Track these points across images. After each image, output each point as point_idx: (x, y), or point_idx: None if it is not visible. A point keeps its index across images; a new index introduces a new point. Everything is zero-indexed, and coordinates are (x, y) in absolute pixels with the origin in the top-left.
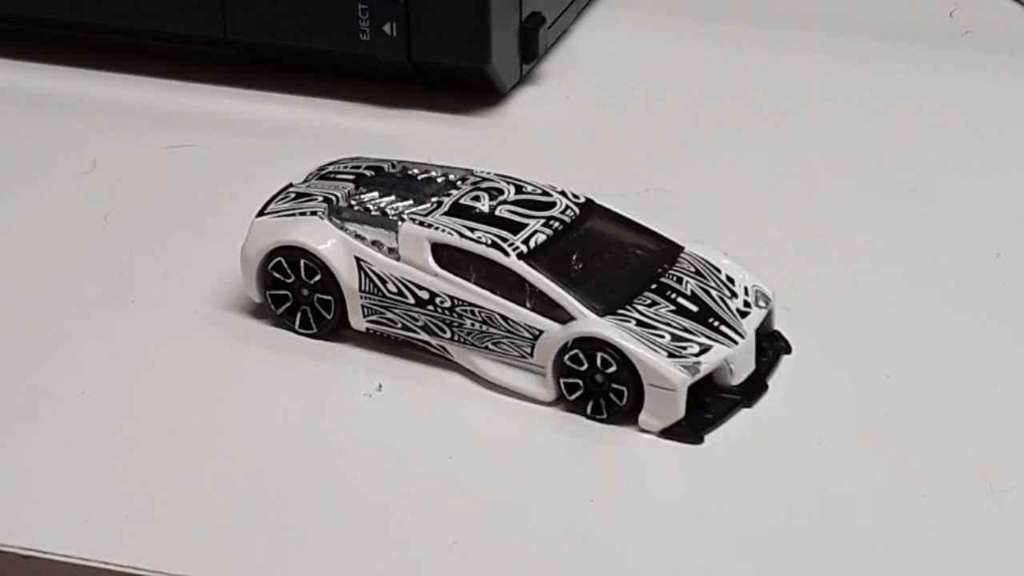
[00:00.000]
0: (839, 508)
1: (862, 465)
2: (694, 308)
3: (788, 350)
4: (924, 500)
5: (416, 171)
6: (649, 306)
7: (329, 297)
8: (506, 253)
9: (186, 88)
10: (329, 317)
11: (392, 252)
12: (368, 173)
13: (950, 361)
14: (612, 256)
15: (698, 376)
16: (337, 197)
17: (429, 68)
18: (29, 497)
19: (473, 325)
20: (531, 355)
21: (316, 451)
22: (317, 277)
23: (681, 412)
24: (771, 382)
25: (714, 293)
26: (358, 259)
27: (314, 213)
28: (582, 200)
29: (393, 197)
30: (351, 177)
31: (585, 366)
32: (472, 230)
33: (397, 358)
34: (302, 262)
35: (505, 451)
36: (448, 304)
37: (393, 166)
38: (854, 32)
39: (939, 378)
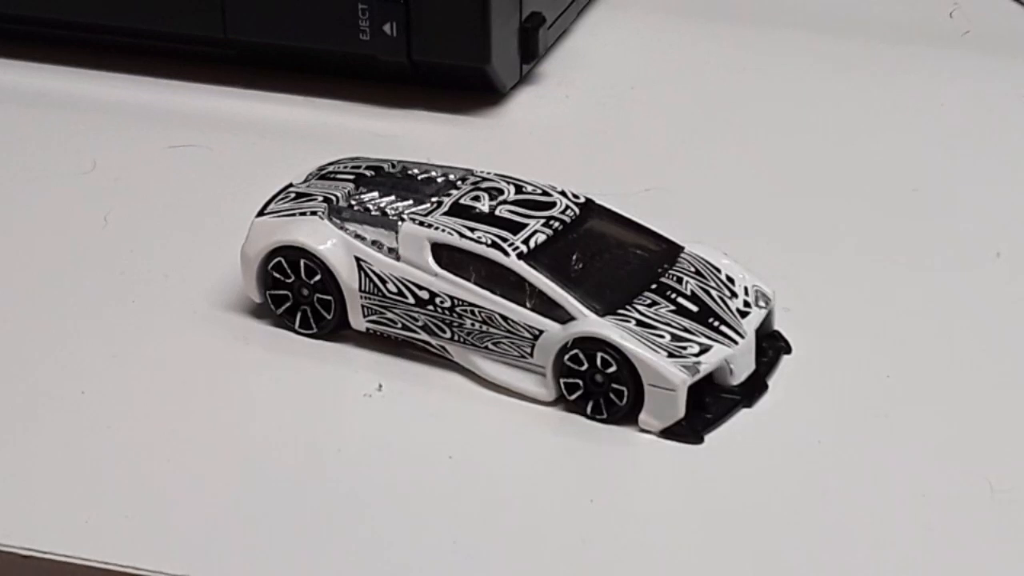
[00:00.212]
0: (839, 508)
1: (862, 465)
2: (694, 308)
3: (788, 350)
4: (924, 500)
5: (416, 171)
6: (649, 306)
7: (329, 297)
8: (506, 253)
9: (186, 88)
10: (329, 317)
11: (392, 252)
12: (368, 173)
13: (950, 361)
14: (612, 256)
15: (698, 376)
16: (337, 197)
17: (429, 68)
18: (29, 497)
19: (473, 325)
20: (531, 355)
21: (316, 451)
22: (317, 277)
23: (681, 412)
24: (771, 382)
25: (714, 293)
26: (358, 259)
27: (314, 213)
28: (582, 200)
29: (393, 197)
30: (351, 177)
31: (585, 366)
32: (472, 230)
33: (397, 358)
34: (302, 262)
35: (505, 451)
36: (448, 304)
37: (393, 166)
38: (854, 32)
39: (939, 378)
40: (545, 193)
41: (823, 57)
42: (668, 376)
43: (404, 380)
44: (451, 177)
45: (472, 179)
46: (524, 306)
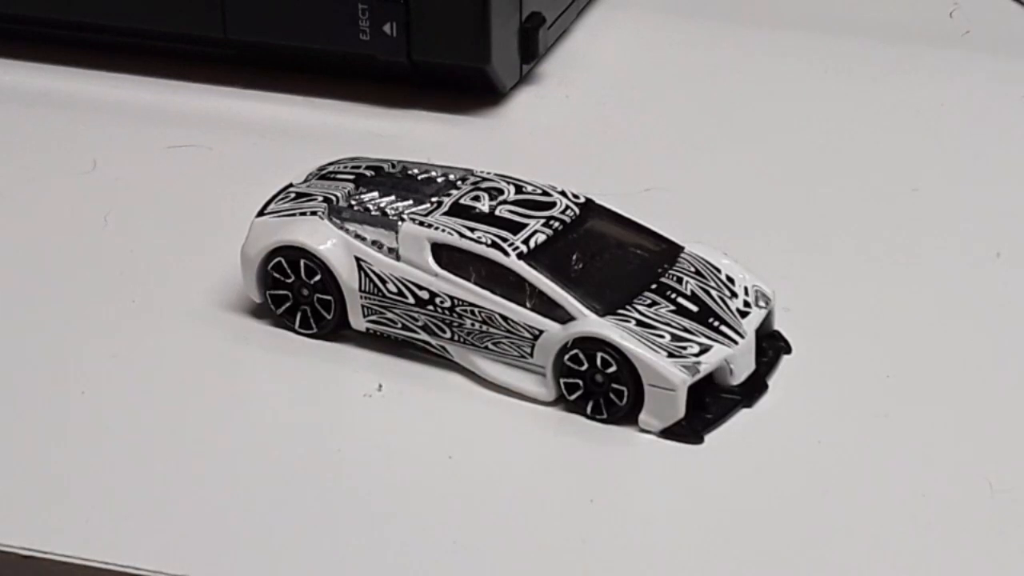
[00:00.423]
0: (839, 508)
1: (862, 465)
2: (694, 308)
3: (788, 350)
4: (924, 500)
5: (416, 171)
6: (649, 306)
7: (329, 297)
8: (506, 253)
9: (186, 88)
10: (329, 317)
11: (392, 252)
12: (368, 173)
13: (950, 361)
14: (612, 256)
15: (698, 376)
16: (337, 197)
17: (429, 68)
18: (29, 497)
19: (473, 325)
20: (531, 355)
21: (316, 451)
22: (317, 277)
23: (681, 412)
24: (771, 382)
25: (714, 293)
26: (358, 259)
27: (314, 213)
28: (582, 200)
29: (393, 197)
30: (351, 177)
31: (585, 366)
32: (472, 230)
33: (397, 358)
34: (302, 262)
35: (505, 451)
36: (448, 304)
37: (393, 166)
38: (854, 32)
39: (939, 378)
40: (545, 193)
41: (823, 57)
42: (668, 376)
43: (404, 380)
44: (451, 177)
45: (472, 179)
46: (524, 306)
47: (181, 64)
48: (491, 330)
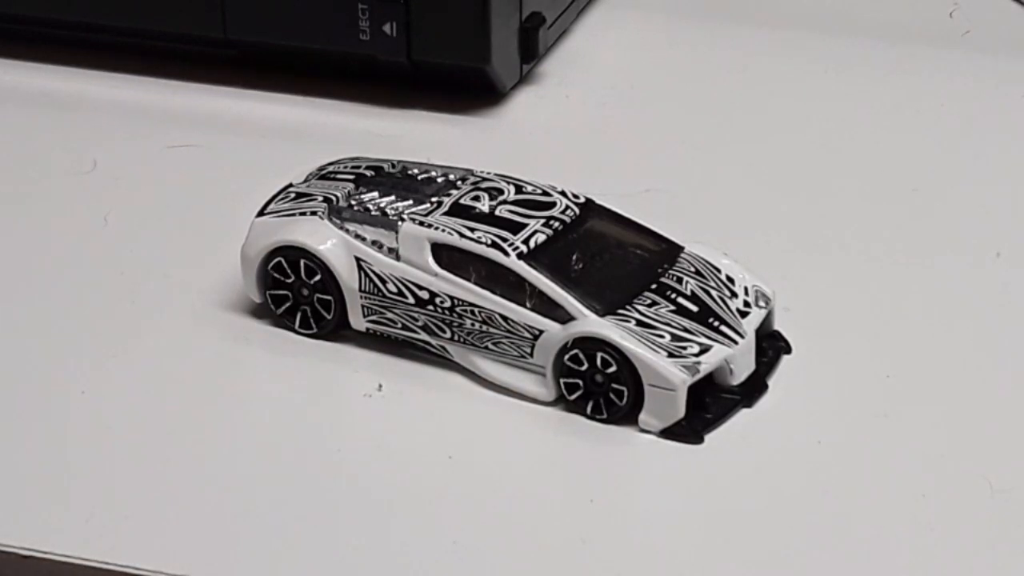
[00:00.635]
0: (839, 508)
1: (862, 465)
2: (694, 308)
3: (788, 350)
4: (924, 500)
5: (416, 171)
6: (649, 306)
7: (329, 297)
8: (506, 253)
9: (186, 88)
10: (329, 317)
11: (392, 252)
12: (368, 173)
13: (950, 361)
14: (612, 256)
15: (698, 376)
16: (337, 197)
17: (429, 68)
18: (29, 497)
19: (473, 325)
20: (531, 355)
21: (316, 451)
22: (317, 277)
23: (681, 412)
24: (771, 382)
25: (714, 293)
26: (358, 259)
27: (314, 213)
28: (582, 200)
29: (393, 197)
30: (351, 177)
31: (585, 366)
32: (472, 230)
33: (397, 358)
34: (302, 262)
35: (505, 451)
36: (448, 304)
37: (393, 166)
38: (854, 32)
39: (939, 378)
40: (545, 193)
41: (823, 57)
42: (668, 376)
43: (404, 380)
44: (451, 177)
45: (472, 179)
46: (524, 306)
47: (181, 64)
48: (491, 330)
